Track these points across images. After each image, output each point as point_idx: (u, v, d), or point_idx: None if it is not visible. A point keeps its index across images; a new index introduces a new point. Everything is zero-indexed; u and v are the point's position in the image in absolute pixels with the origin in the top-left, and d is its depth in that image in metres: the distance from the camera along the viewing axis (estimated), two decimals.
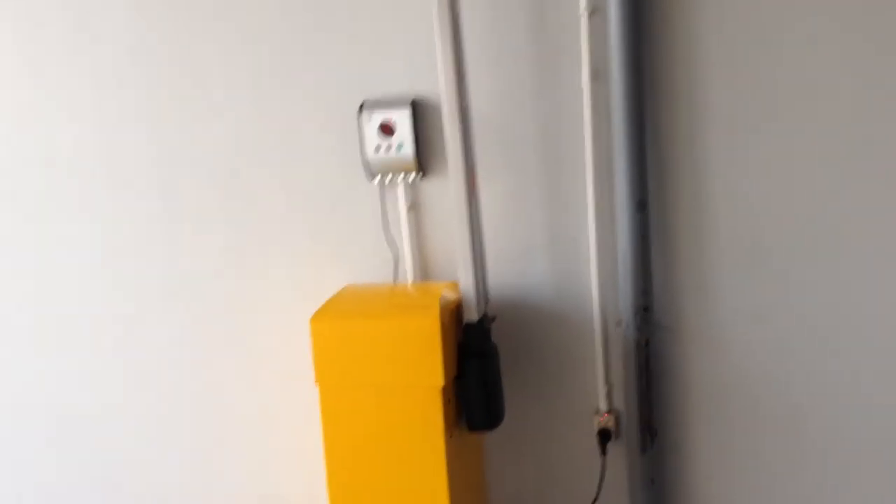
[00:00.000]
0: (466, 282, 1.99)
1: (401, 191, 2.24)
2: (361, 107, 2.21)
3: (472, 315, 2.00)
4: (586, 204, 2.12)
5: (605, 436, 2.18)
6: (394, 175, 2.23)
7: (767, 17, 1.98)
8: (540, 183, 2.17)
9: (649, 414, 2.11)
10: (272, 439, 2.45)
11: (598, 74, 2.06)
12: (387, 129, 2.20)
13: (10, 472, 2.71)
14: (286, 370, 2.38)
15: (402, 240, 2.27)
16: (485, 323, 2.03)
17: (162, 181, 2.43)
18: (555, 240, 2.18)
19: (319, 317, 1.97)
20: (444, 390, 1.91)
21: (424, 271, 2.29)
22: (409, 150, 2.19)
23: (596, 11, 2.04)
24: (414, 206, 2.26)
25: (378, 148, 2.21)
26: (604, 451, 2.18)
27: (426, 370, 1.89)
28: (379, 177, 2.24)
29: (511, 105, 2.15)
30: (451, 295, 2.03)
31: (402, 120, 2.18)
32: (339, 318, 1.98)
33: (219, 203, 2.40)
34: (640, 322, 2.06)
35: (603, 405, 2.19)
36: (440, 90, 1.94)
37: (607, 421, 2.18)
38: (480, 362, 2.00)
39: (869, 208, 2.00)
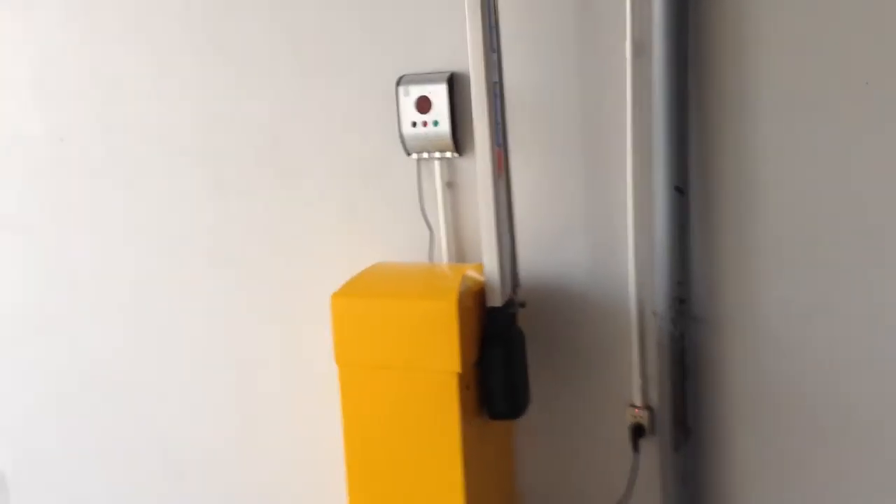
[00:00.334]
0: (490, 265, 1.92)
1: (437, 168, 2.19)
2: (399, 81, 2.16)
3: (495, 300, 1.93)
4: (626, 187, 2.02)
5: (638, 431, 2.08)
6: (430, 152, 2.18)
7: None
8: (580, 163, 2.07)
9: (683, 411, 2.00)
10: (301, 412, 2.46)
11: (642, 49, 1.95)
12: (423, 105, 2.14)
13: (57, 430, 2.81)
14: (320, 344, 2.36)
15: (437, 218, 2.21)
16: (510, 308, 1.96)
17: (209, 153, 2.45)
18: (593, 223, 2.09)
19: (341, 293, 1.94)
20: (461, 376, 1.85)
21: (460, 251, 2.23)
22: (445, 126, 2.13)
23: None
24: (450, 185, 2.20)
25: (414, 124, 2.16)
26: (636, 447, 2.08)
27: (443, 355, 1.84)
28: (416, 153, 2.19)
29: (551, 81, 2.06)
30: (477, 277, 1.97)
31: (439, 96, 2.13)
32: (360, 296, 1.94)
33: (261, 176, 2.40)
34: (675, 314, 1.95)
35: (637, 399, 2.09)
36: (469, 65, 1.87)
37: (641, 416, 2.08)
38: (503, 348, 1.94)
39: None
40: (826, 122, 1.86)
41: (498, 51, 1.91)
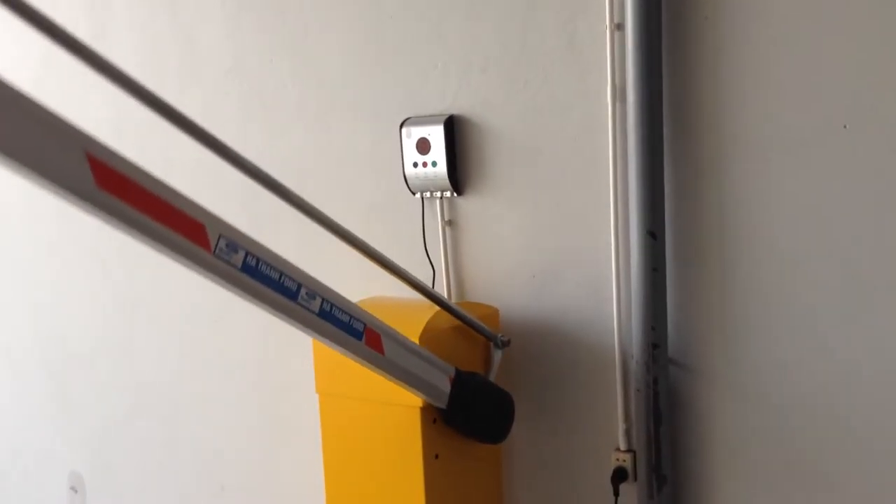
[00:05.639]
0: None
1: (438, 207, 2.26)
2: (403, 123, 2.25)
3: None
4: (609, 229, 2.02)
5: (619, 476, 2.05)
6: (432, 191, 2.25)
7: (806, 31, 1.77)
8: (569, 204, 2.09)
9: (658, 458, 1.96)
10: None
11: (624, 94, 1.95)
12: (423, 146, 2.22)
13: (123, 442, 3.06)
14: None
15: (439, 256, 2.28)
16: (465, 386, 1.94)
17: (244, 190, 2.62)
18: (580, 263, 2.09)
19: None
20: (424, 410, 1.90)
21: (460, 288, 2.28)
22: (442, 167, 2.20)
23: (622, 26, 1.93)
24: (451, 223, 2.26)
25: (416, 164, 2.24)
26: (616, 492, 2.05)
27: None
28: (419, 192, 2.27)
29: (538, 122, 2.09)
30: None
31: (437, 137, 2.20)
32: None
33: (289, 211, 2.54)
34: (649, 359, 1.92)
35: (622, 443, 2.07)
36: None
37: (624, 460, 2.05)
38: (467, 407, 1.95)
39: None
40: (803, 166, 1.80)
41: None
